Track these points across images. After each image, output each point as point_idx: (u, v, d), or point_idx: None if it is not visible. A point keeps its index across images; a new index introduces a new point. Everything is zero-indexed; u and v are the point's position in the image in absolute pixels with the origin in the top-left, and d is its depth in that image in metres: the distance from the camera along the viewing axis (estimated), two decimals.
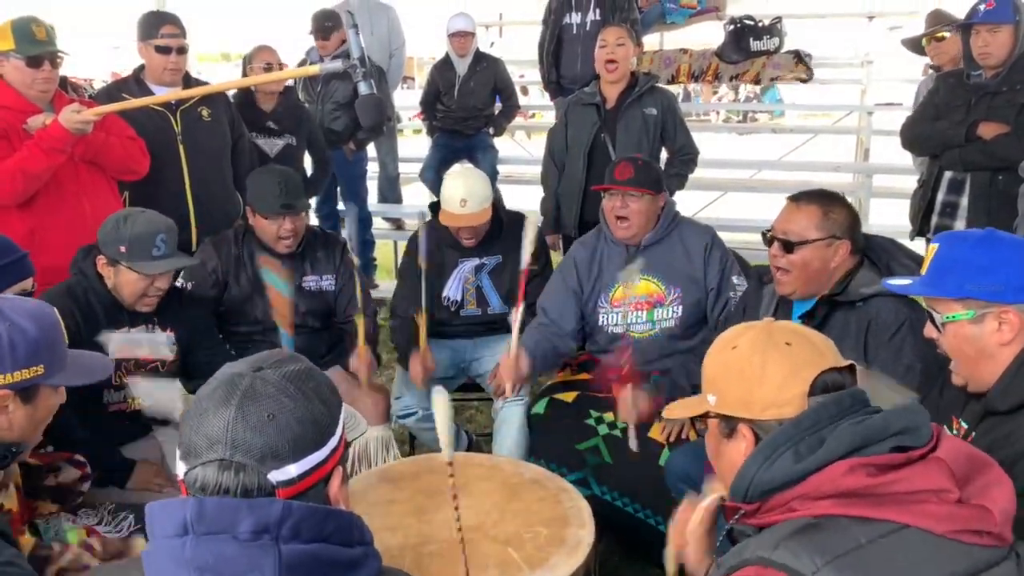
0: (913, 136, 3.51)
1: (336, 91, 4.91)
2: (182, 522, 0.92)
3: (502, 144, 6.14)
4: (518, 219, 3.14)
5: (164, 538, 0.94)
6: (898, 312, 2.04)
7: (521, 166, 7.01)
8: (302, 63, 5.16)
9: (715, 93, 12.71)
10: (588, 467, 2.65)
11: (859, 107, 7.14)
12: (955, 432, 1.61)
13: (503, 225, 3.06)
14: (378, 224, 5.87)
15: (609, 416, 2.68)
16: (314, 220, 5.18)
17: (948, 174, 3.35)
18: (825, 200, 2.12)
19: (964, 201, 3.31)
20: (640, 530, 2.61)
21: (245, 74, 4.23)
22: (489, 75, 5.53)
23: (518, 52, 8.07)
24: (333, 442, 1.02)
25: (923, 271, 1.60)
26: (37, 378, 1.51)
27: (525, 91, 9.08)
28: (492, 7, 8.77)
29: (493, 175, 5.65)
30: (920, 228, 3.52)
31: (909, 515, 1.04)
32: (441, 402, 1.72)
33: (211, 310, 2.83)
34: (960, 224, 3.30)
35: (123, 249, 2.29)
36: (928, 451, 1.10)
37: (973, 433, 1.56)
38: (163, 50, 3.18)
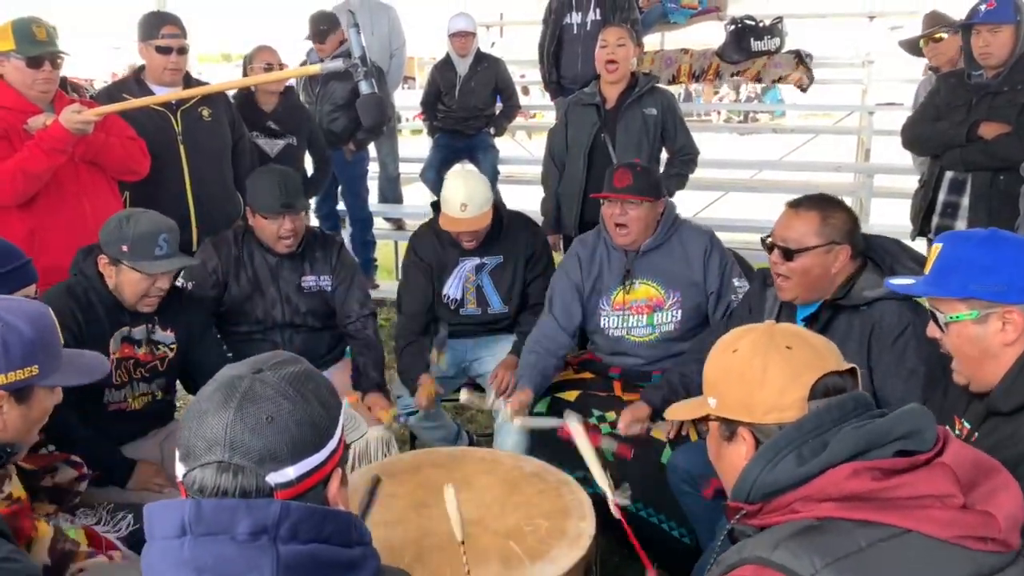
0: (914, 136, 3.50)
1: (334, 92, 4.92)
2: (180, 523, 0.92)
3: (503, 144, 6.14)
4: (519, 219, 3.16)
5: (163, 539, 0.94)
6: (901, 316, 2.04)
7: (522, 166, 7.01)
8: (303, 64, 5.16)
9: (716, 93, 12.70)
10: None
11: (860, 107, 7.14)
12: (957, 432, 1.60)
13: (504, 225, 3.06)
14: (378, 224, 5.87)
15: (611, 415, 2.68)
16: (313, 220, 5.18)
17: (949, 174, 3.35)
18: (824, 205, 2.11)
19: (965, 201, 3.30)
20: (642, 527, 2.60)
21: (245, 74, 4.23)
22: (490, 75, 5.52)
23: (519, 52, 8.07)
24: (332, 444, 1.01)
25: (926, 271, 1.59)
26: (31, 379, 1.51)
27: (526, 91, 9.08)
28: (493, 7, 8.77)
29: (494, 175, 5.65)
30: (921, 228, 3.52)
31: (912, 520, 1.04)
32: (450, 496, 1.73)
33: (211, 310, 2.83)
34: (961, 224, 3.30)
35: (126, 248, 2.29)
36: (934, 456, 1.09)
37: (976, 434, 1.55)
38: (164, 50, 3.18)
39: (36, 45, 2.73)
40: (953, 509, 1.04)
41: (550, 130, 4.22)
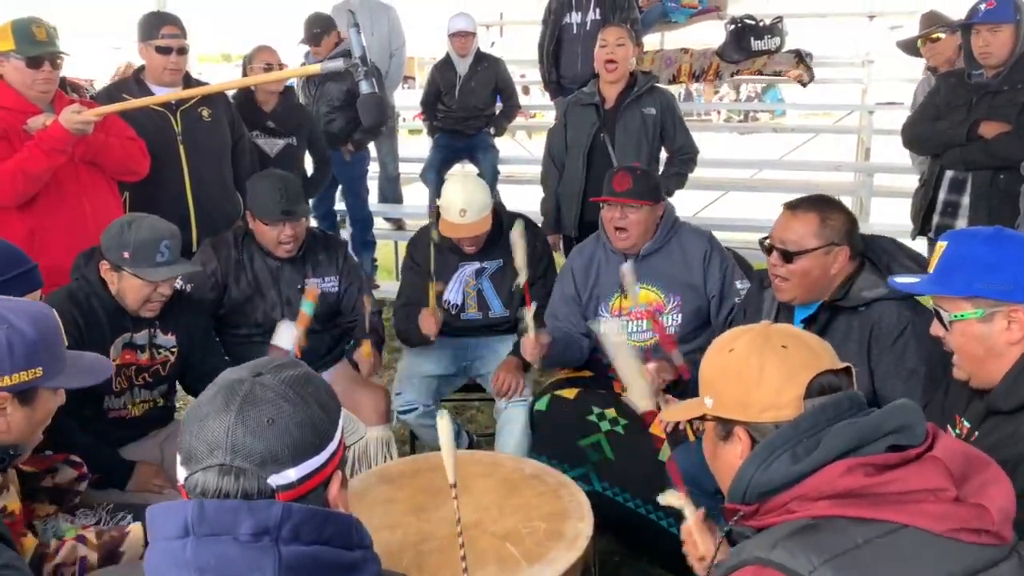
0: (914, 135, 3.50)
1: (330, 93, 4.92)
2: (183, 524, 0.93)
3: (503, 144, 6.13)
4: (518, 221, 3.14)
5: (165, 540, 0.94)
6: (900, 316, 2.03)
7: (522, 166, 7.01)
8: (302, 64, 5.16)
9: (716, 92, 12.69)
10: (590, 463, 2.66)
11: (860, 106, 7.13)
12: (958, 431, 1.61)
13: (504, 229, 3.05)
14: (379, 224, 5.87)
15: (611, 412, 2.68)
16: (312, 221, 5.18)
17: (949, 173, 3.35)
18: (822, 207, 2.11)
19: (965, 200, 3.30)
20: (641, 526, 2.62)
21: (245, 74, 4.23)
22: (490, 75, 5.52)
23: (519, 52, 8.06)
24: (332, 446, 1.02)
25: (930, 269, 1.59)
26: (35, 380, 1.51)
27: (526, 91, 9.08)
28: (492, 7, 8.76)
29: (494, 175, 5.64)
30: (921, 227, 3.52)
31: (906, 515, 1.04)
32: (445, 426, 1.70)
33: (209, 313, 2.82)
34: (961, 223, 3.30)
35: (127, 255, 2.28)
36: (924, 450, 1.10)
37: (976, 432, 1.55)
38: (163, 51, 3.18)
39: (36, 45, 2.73)
40: (946, 502, 1.05)
41: (549, 130, 4.22)
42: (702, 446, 1.33)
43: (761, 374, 1.20)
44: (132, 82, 3.30)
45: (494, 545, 1.96)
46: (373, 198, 5.83)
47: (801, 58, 6.46)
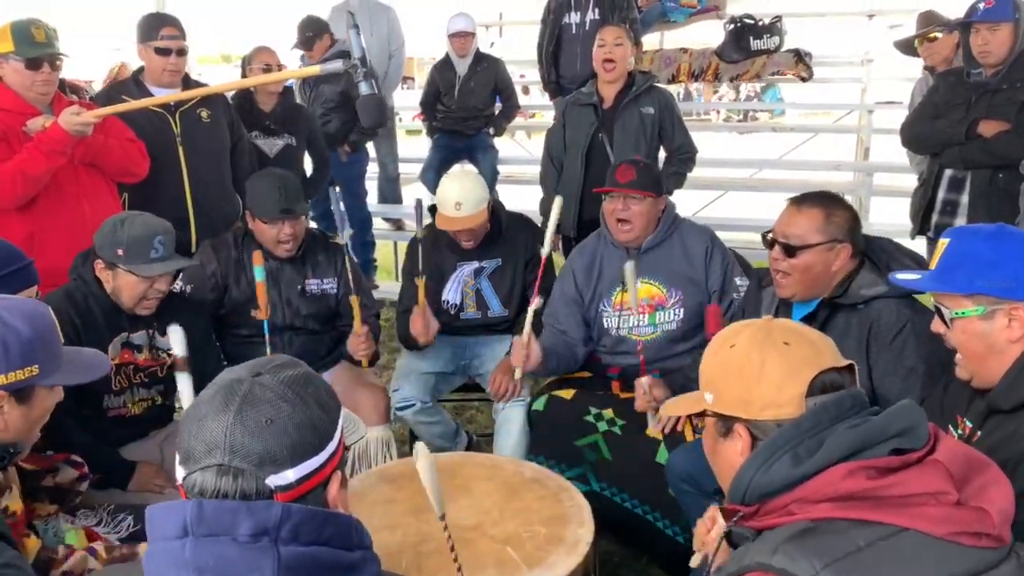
0: (913, 135, 3.50)
1: (325, 94, 4.91)
2: (182, 524, 0.92)
3: (502, 144, 6.14)
4: (518, 221, 3.15)
5: (164, 540, 0.94)
6: (899, 314, 2.03)
7: (521, 166, 7.01)
8: (301, 64, 5.16)
9: (715, 92, 12.70)
10: (587, 463, 2.66)
11: (859, 106, 7.13)
12: (960, 431, 1.60)
13: (502, 228, 3.05)
14: (378, 224, 5.87)
15: (608, 413, 2.68)
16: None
17: (948, 172, 3.35)
18: (827, 203, 2.11)
19: (965, 199, 3.30)
20: (639, 526, 2.62)
21: (244, 75, 4.23)
22: (489, 75, 5.52)
23: (518, 52, 8.06)
24: (331, 447, 1.02)
25: (932, 266, 1.58)
26: (32, 379, 1.51)
27: (526, 91, 9.08)
28: (492, 7, 8.76)
29: (493, 175, 5.64)
30: (921, 226, 3.52)
31: (908, 518, 1.04)
32: (424, 465, 1.59)
33: (209, 314, 2.82)
34: (960, 222, 3.30)
35: (121, 252, 2.28)
36: (926, 453, 1.09)
37: (979, 432, 1.55)
38: (163, 52, 3.18)
39: (35, 47, 2.73)
40: (947, 506, 1.04)
41: (548, 130, 4.22)
42: (702, 443, 1.33)
43: (762, 370, 1.18)
44: (131, 83, 3.30)
45: (494, 549, 1.95)
46: (372, 198, 5.82)
47: (800, 57, 6.47)
